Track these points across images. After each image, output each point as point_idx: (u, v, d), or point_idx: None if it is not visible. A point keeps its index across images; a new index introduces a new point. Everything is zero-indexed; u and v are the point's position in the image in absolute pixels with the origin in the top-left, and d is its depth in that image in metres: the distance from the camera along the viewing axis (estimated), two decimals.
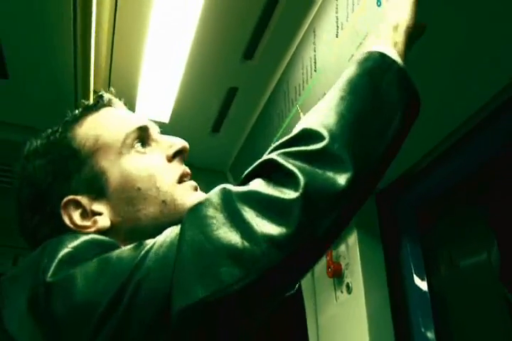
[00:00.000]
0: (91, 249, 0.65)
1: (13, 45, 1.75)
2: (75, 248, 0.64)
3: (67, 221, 0.73)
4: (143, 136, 0.81)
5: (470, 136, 1.58)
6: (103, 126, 0.80)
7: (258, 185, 0.62)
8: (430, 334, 1.83)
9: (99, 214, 0.75)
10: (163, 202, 0.75)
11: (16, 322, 0.60)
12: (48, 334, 0.58)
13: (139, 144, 0.80)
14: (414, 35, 0.83)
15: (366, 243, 1.96)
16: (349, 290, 1.96)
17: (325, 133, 0.64)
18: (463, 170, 1.72)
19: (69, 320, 0.57)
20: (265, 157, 0.64)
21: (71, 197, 0.74)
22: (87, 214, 0.74)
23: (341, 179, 0.60)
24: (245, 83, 1.95)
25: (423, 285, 1.89)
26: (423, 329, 1.83)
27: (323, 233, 0.59)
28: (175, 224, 0.64)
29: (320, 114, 0.69)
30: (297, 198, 0.58)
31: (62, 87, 1.92)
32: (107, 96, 0.86)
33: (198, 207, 0.61)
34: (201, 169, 2.45)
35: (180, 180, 0.80)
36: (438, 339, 1.79)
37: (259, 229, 0.56)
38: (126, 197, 0.75)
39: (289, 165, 0.60)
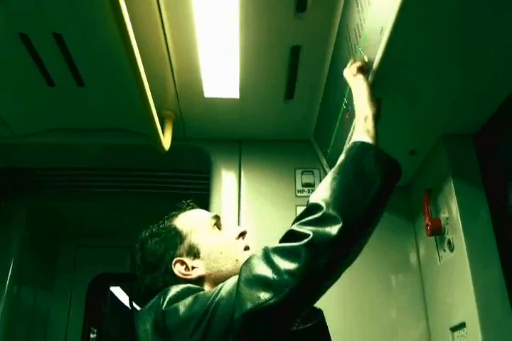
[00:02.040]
0: (186, 292, 1.08)
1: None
2: (178, 292, 1.09)
3: (177, 272, 1.19)
4: (217, 222, 1.31)
5: None
6: (193, 217, 1.31)
7: (284, 243, 1.00)
8: None
9: (196, 267, 1.20)
10: (236, 260, 1.22)
11: (145, 336, 1.07)
12: (162, 338, 1.02)
13: (216, 227, 1.29)
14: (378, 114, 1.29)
15: (466, 193, 1.77)
16: (451, 247, 1.77)
17: (323, 204, 1.01)
18: None
19: (176, 330, 1.00)
20: (289, 228, 1.02)
21: (179, 258, 1.21)
22: (188, 268, 1.20)
23: (334, 229, 0.96)
24: (306, 38, 1.83)
25: None
26: None
27: (323, 266, 0.94)
28: None
29: (320, 191, 1.06)
30: (304, 244, 0.94)
31: (125, 87, 1.96)
32: (192, 203, 1.37)
33: (249, 259, 1.01)
34: (284, 141, 2.38)
35: (245, 249, 1.27)
36: None
37: (282, 266, 0.94)
38: (214, 257, 1.22)
39: (302, 229, 0.98)
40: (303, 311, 1.02)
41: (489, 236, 1.70)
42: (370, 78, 1.54)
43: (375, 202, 1.05)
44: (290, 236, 1.00)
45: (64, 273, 3.34)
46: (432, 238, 1.94)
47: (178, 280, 1.18)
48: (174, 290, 1.10)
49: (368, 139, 1.18)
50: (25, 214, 3.03)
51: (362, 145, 1.15)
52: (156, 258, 1.22)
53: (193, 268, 1.20)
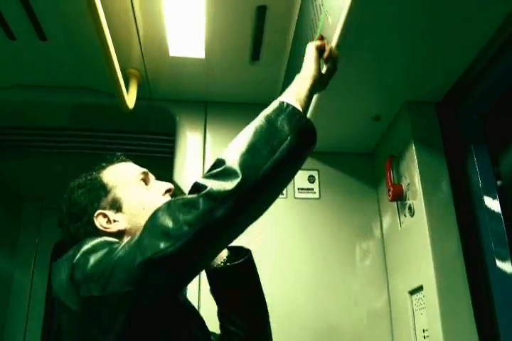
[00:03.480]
0: (101, 245, 1.08)
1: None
2: (92, 245, 1.09)
3: (98, 225, 1.21)
4: (145, 178, 1.32)
5: None
6: (121, 171, 1.31)
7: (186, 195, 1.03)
8: (506, 261, 1.61)
9: (117, 221, 1.22)
10: None
11: (59, 285, 1.08)
12: (75, 289, 1.03)
13: (143, 183, 1.30)
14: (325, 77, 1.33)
15: (427, 159, 1.78)
16: (411, 212, 1.79)
17: (226, 160, 1.02)
18: None
19: (84, 281, 1.02)
20: (195, 180, 1.03)
21: (101, 211, 1.23)
22: (110, 221, 1.22)
23: (232, 184, 0.98)
24: None
25: (494, 203, 1.67)
26: (497, 254, 1.62)
27: (219, 217, 0.96)
28: None
29: (230, 147, 1.07)
30: (200, 195, 0.98)
31: (90, 44, 1.87)
32: (122, 157, 1.38)
33: (155, 211, 1.03)
34: (251, 104, 2.34)
35: None
36: None
37: (182, 217, 0.97)
38: (136, 212, 1.24)
39: (203, 182, 1.01)
40: (202, 262, 1.06)
41: (448, 202, 1.72)
42: (334, 41, 1.52)
43: (281, 162, 1.04)
44: (193, 188, 1.03)
45: (28, 235, 3.27)
46: (394, 203, 1.95)
47: (99, 233, 1.20)
48: (89, 242, 1.10)
49: (291, 100, 1.13)
50: None
51: (281, 104, 1.12)
52: (80, 209, 1.24)
53: (114, 221, 1.23)
